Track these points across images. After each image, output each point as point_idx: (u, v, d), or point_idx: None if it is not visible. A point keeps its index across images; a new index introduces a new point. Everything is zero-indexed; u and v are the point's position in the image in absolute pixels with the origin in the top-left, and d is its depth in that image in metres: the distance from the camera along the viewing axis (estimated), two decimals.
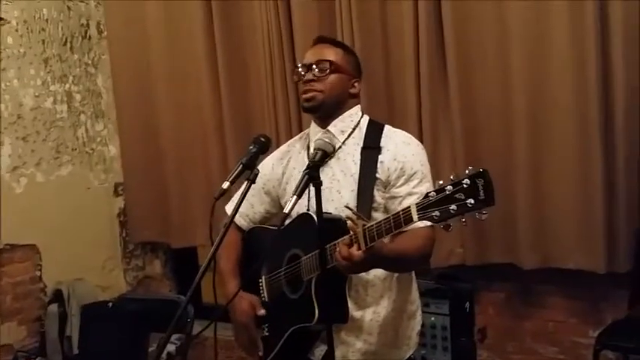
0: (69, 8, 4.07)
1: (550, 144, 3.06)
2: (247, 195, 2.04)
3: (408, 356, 2.09)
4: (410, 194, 1.90)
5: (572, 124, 2.99)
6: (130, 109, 4.13)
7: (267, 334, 2.07)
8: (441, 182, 1.55)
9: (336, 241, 1.76)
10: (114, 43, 4.13)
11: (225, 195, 1.81)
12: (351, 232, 1.69)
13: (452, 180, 1.53)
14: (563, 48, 2.97)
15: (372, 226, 1.67)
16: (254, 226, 2.18)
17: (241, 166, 1.82)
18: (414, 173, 1.92)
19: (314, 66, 1.97)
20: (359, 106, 2.07)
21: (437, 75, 3.24)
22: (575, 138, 2.99)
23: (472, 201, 1.47)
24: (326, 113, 2.00)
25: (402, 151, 1.94)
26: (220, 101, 3.77)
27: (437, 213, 1.52)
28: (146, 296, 3.68)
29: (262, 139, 1.91)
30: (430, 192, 1.54)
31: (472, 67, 3.18)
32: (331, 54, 2.00)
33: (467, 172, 1.51)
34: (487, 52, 3.15)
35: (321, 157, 1.73)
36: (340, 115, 2.01)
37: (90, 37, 4.18)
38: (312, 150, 1.99)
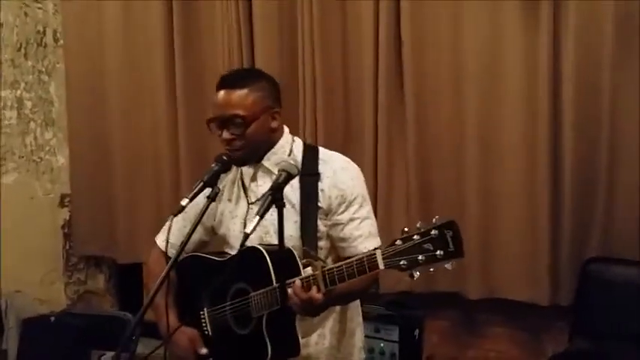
0: (26, 14, 3.98)
1: (499, 177, 3.14)
2: (178, 225, 2.01)
3: None
4: (352, 220, 1.91)
5: (521, 160, 3.08)
6: (82, 120, 4.04)
7: None
8: (406, 229, 1.55)
9: (291, 280, 1.74)
10: (69, 52, 4.04)
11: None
12: (309, 274, 1.68)
13: (418, 228, 1.53)
14: (516, 80, 3.05)
15: (333, 269, 1.66)
16: (188, 254, 2.06)
17: (202, 183, 1.79)
18: (355, 199, 1.92)
19: (228, 123, 1.89)
20: (286, 132, 2.02)
21: (394, 104, 3.28)
22: (523, 172, 3.08)
23: (441, 252, 1.48)
24: (254, 159, 1.97)
25: (341, 177, 1.93)
26: (176, 119, 3.73)
27: (404, 262, 1.52)
28: (90, 312, 3.58)
29: (225, 158, 1.88)
30: (397, 239, 1.54)
31: (428, 100, 3.24)
32: (240, 103, 1.89)
33: (434, 221, 1.52)
34: (442, 87, 3.22)
35: (285, 179, 1.71)
36: (270, 150, 1.97)
37: (45, 44, 4.09)
38: (247, 181, 1.98)
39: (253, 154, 1.95)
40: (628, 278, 3.02)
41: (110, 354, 2.84)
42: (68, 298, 4.22)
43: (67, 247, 4.22)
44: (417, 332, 3.22)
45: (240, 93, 1.91)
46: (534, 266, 3.08)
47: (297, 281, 1.72)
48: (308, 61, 3.39)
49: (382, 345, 3.17)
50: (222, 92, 1.94)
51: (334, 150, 2.07)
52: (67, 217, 4.21)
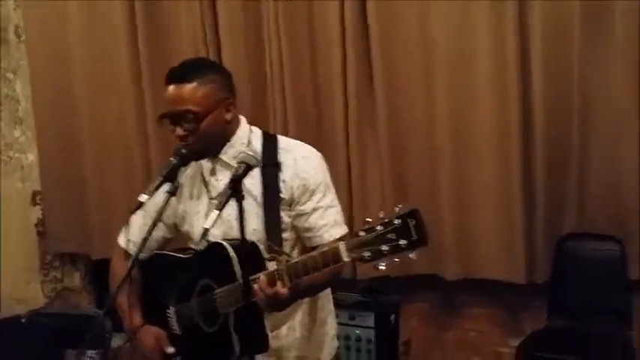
0: None
1: (472, 159, 3.14)
2: (139, 224, 1.98)
3: None
4: (315, 209, 1.88)
5: (493, 141, 3.08)
6: (49, 117, 3.96)
7: None
8: (369, 219, 1.52)
9: (256, 275, 1.70)
10: (33, 48, 3.95)
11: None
12: (274, 269, 1.64)
13: (381, 219, 1.50)
14: (486, 65, 3.04)
15: (297, 263, 1.63)
16: (153, 252, 2.03)
17: (161, 178, 1.74)
18: (317, 187, 1.88)
19: (179, 119, 1.82)
20: (243, 122, 1.95)
21: (364, 93, 3.26)
22: (496, 153, 3.08)
23: (405, 242, 1.46)
24: (211, 154, 1.91)
25: (303, 166, 1.88)
26: (144, 109, 3.67)
27: (368, 253, 1.49)
28: (61, 311, 3.53)
29: (184, 151, 1.82)
30: (360, 231, 1.51)
31: (398, 88, 3.22)
32: (190, 98, 1.81)
33: (397, 210, 1.49)
34: (412, 74, 3.20)
35: (244, 171, 1.67)
36: (226, 143, 1.92)
37: (8, 41, 3.99)
38: (207, 176, 1.94)
39: (209, 148, 1.89)
40: (603, 253, 3.03)
41: (90, 352, 2.81)
42: (45, 296, 4.17)
43: (42, 245, 4.16)
44: (392, 318, 3.22)
45: (189, 87, 1.83)
46: (510, 245, 3.09)
47: (262, 277, 1.69)
48: (275, 52, 3.34)
49: (358, 332, 3.16)
50: (171, 87, 1.85)
51: (307, 141, 2.01)
52: (40, 215, 4.15)
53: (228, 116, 1.89)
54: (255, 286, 1.68)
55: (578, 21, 2.90)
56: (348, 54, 3.22)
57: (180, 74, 1.87)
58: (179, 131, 1.84)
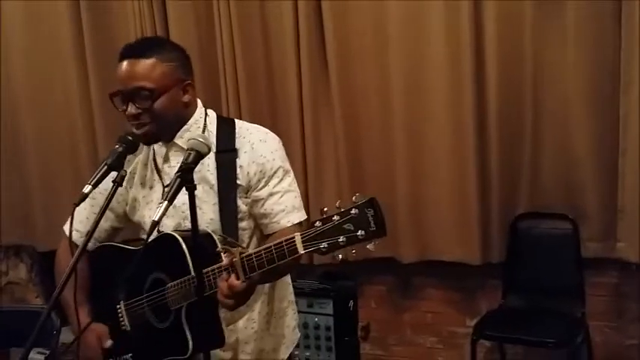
0: None
1: (427, 141, 3.13)
2: (87, 213, 1.88)
3: (288, 355, 2.01)
4: (272, 194, 1.80)
5: (447, 125, 3.08)
6: None
7: None
8: (325, 209, 1.45)
9: (209, 268, 1.63)
10: None
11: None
12: (226, 262, 1.57)
13: (338, 208, 1.43)
14: (440, 46, 3.02)
15: (251, 256, 1.54)
16: (100, 244, 1.95)
17: (106, 167, 1.63)
18: (275, 172, 1.80)
19: (133, 96, 1.72)
20: (200, 106, 1.85)
21: (318, 74, 3.22)
22: (450, 135, 3.08)
23: (363, 232, 1.39)
24: (166, 137, 1.81)
25: (260, 150, 1.79)
26: (89, 94, 3.57)
27: (324, 245, 1.42)
28: (5, 308, 3.38)
29: (130, 138, 1.70)
30: (316, 221, 1.44)
31: (352, 67, 3.18)
32: (146, 74, 1.71)
33: (354, 199, 1.42)
34: (367, 63, 3.17)
35: (195, 159, 1.57)
36: (182, 127, 1.82)
37: None
38: (160, 163, 1.85)
39: (163, 131, 1.78)
40: (556, 232, 3.07)
41: (37, 350, 2.69)
42: None
43: None
44: (351, 304, 3.20)
45: (146, 63, 1.72)
46: (465, 227, 3.10)
47: (216, 271, 1.61)
48: (226, 32, 3.26)
49: (316, 319, 3.13)
50: (125, 62, 1.74)
51: (260, 124, 1.92)
52: None
53: (186, 98, 1.80)
54: (210, 280, 1.62)
55: (530, 5, 2.91)
56: (300, 28, 3.17)
57: (137, 49, 1.76)
58: (131, 109, 1.73)
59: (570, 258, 3.02)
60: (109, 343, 1.87)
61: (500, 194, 3.07)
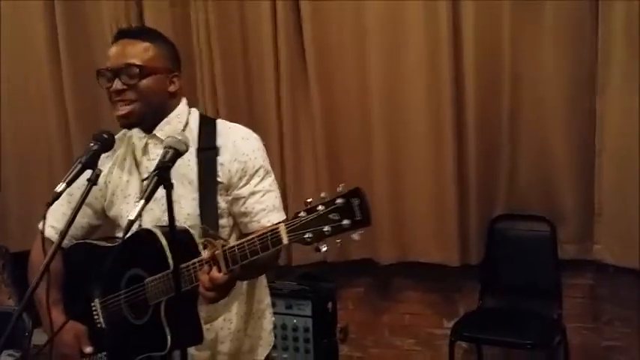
0: None
1: (405, 143, 3.14)
2: (64, 209, 1.85)
3: (264, 356, 1.99)
4: (253, 193, 1.79)
5: (426, 125, 3.08)
6: None
7: None
8: (309, 200, 1.43)
9: (188, 263, 1.61)
10: None
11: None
12: (208, 255, 1.55)
13: (323, 198, 1.41)
14: (418, 44, 3.03)
15: (234, 247, 1.52)
16: (76, 242, 1.90)
17: (80, 165, 1.60)
18: (256, 171, 1.80)
19: (121, 73, 1.72)
20: (184, 101, 1.85)
21: (297, 76, 3.21)
22: (428, 138, 3.08)
23: (348, 222, 1.38)
24: (148, 124, 1.80)
25: (242, 149, 1.79)
26: (63, 97, 3.55)
27: (309, 235, 1.40)
28: None
29: (105, 136, 1.68)
30: (300, 211, 1.42)
31: (331, 63, 3.17)
32: (138, 54, 1.73)
33: (339, 190, 1.41)
34: (346, 62, 3.16)
35: (173, 157, 1.54)
36: (164, 117, 1.80)
37: None
38: (138, 156, 1.83)
39: (145, 114, 1.76)
40: (533, 234, 3.08)
41: (7, 352, 2.63)
42: None
43: None
44: (330, 305, 3.18)
45: (140, 45, 1.75)
46: (443, 228, 3.10)
47: (197, 264, 1.59)
48: (203, 27, 3.23)
49: (295, 321, 3.11)
50: (120, 42, 1.76)
51: (237, 121, 1.92)
52: None
53: (172, 88, 1.80)
54: (191, 274, 1.59)
55: (508, 5, 2.92)
56: (278, 23, 3.16)
57: (134, 32, 1.79)
58: (117, 84, 1.72)
59: (547, 260, 3.03)
60: (88, 349, 1.83)
61: (479, 196, 3.07)
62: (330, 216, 1.39)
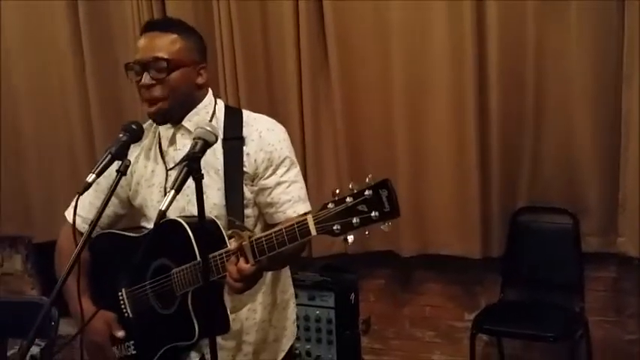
0: None
1: (428, 135, 3.12)
2: (90, 198, 1.87)
3: (288, 347, 2.00)
4: (279, 183, 1.80)
5: (449, 116, 3.06)
6: None
7: (133, 352, 1.88)
8: (337, 191, 1.44)
9: (215, 253, 1.63)
10: None
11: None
12: (235, 245, 1.55)
13: (351, 190, 1.42)
14: (442, 38, 3.00)
15: (262, 238, 1.53)
16: (102, 231, 1.92)
17: (110, 156, 1.61)
18: (282, 161, 1.80)
19: (149, 67, 1.73)
20: (210, 93, 1.87)
21: (318, 69, 3.20)
22: (452, 130, 3.06)
23: (377, 213, 1.38)
24: (177, 116, 1.81)
25: (268, 139, 1.79)
26: (86, 87, 3.56)
27: (338, 226, 1.41)
28: (2, 299, 3.35)
29: (134, 127, 1.69)
30: (328, 203, 1.43)
31: (354, 65, 3.16)
32: (166, 47, 1.74)
33: (367, 181, 1.41)
34: (368, 50, 3.14)
35: (202, 148, 1.55)
36: (192, 109, 1.81)
37: None
38: (165, 146, 1.84)
39: (174, 109, 1.78)
40: (556, 227, 3.06)
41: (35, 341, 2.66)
42: None
43: None
44: (352, 296, 3.18)
45: (168, 37, 1.76)
46: (465, 220, 3.09)
47: (223, 253, 1.60)
48: (225, 23, 3.23)
49: (318, 312, 3.11)
50: (147, 35, 1.77)
51: (259, 112, 1.92)
52: None
53: (200, 80, 1.81)
54: (217, 264, 1.61)
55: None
56: (300, 18, 3.15)
57: (161, 25, 1.81)
58: (146, 79, 1.73)
59: (570, 252, 3.01)
60: (121, 333, 1.86)
61: (501, 188, 3.06)
62: (359, 207, 1.40)
